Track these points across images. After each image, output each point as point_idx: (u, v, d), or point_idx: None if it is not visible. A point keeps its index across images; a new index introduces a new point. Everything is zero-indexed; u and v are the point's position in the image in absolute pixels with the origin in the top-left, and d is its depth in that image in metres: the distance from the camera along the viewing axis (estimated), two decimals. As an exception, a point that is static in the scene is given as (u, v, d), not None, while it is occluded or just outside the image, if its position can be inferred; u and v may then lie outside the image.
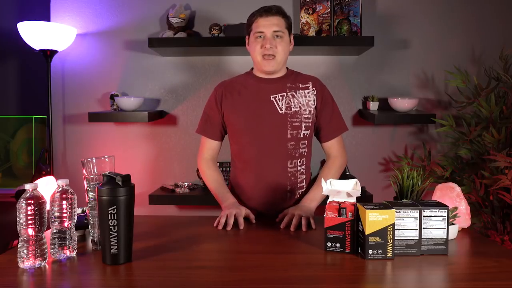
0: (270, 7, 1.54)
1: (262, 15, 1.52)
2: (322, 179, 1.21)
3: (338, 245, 1.13)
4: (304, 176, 1.62)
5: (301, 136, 1.57)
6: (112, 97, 2.36)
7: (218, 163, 2.33)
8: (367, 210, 1.06)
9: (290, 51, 1.61)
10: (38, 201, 1.01)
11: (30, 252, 1.01)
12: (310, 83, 1.62)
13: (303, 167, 1.61)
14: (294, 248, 1.20)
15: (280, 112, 1.55)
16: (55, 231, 1.08)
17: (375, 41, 2.21)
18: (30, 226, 1.00)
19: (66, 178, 1.12)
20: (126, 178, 1.04)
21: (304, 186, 1.62)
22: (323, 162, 2.20)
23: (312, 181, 1.66)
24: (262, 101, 1.57)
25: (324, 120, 1.62)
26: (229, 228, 1.34)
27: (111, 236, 1.02)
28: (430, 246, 1.12)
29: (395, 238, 1.08)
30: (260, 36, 1.53)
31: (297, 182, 1.60)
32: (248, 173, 1.60)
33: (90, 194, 1.15)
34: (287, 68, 1.65)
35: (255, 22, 1.54)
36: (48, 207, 1.05)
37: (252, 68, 1.66)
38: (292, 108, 1.56)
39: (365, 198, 2.25)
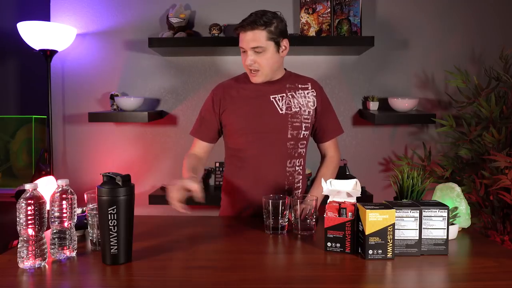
0: (245, 23, 1.46)
1: (240, 30, 1.48)
2: (322, 179, 1.21)
3: (338, 245, 1.13)
4: (301, 177, 1.62)
5: (301, 136, 1.57)
6: (112, 97, 2.36)
7: (218, 163, 2.36)
8: (367, 210, 1.06)
9: (285, 55, 1.56)
10: (38, 201, 1.01)
11: (30, 252, 1.01)
12: (309, 84, 1.62)
13: (300, 167, 1.61)
14: (294, 248, 1.20)
15: (280, 112, 1.55)
16: (55, 231, 1.08)
17: (375, 41, 2.20)
18: (30, 226, 1.00)
19: (66, 178, 1.12)
20: (126, 178, 1.04)
21: (301, 187, 1.62)
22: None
23: (312, 181, 1.66)
24: (262, 101, 1.56)
25: (324, 122, 1.62)
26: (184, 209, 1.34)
27: (111, 236, 1.02)
28: (430, 246, 1.12)
29: (395, 238, 1.08)
30: (244, 51, 1.51)
31: (294, 182, 1.59)
32: (247, 173, 1.59)
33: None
34: (285, 69, 1.64)
35: (239, 35, 1.50)
36: (48, 207, 1.05)
37: None
38: (293, 109, 1.56)
39: (365, 198, 2.25)
